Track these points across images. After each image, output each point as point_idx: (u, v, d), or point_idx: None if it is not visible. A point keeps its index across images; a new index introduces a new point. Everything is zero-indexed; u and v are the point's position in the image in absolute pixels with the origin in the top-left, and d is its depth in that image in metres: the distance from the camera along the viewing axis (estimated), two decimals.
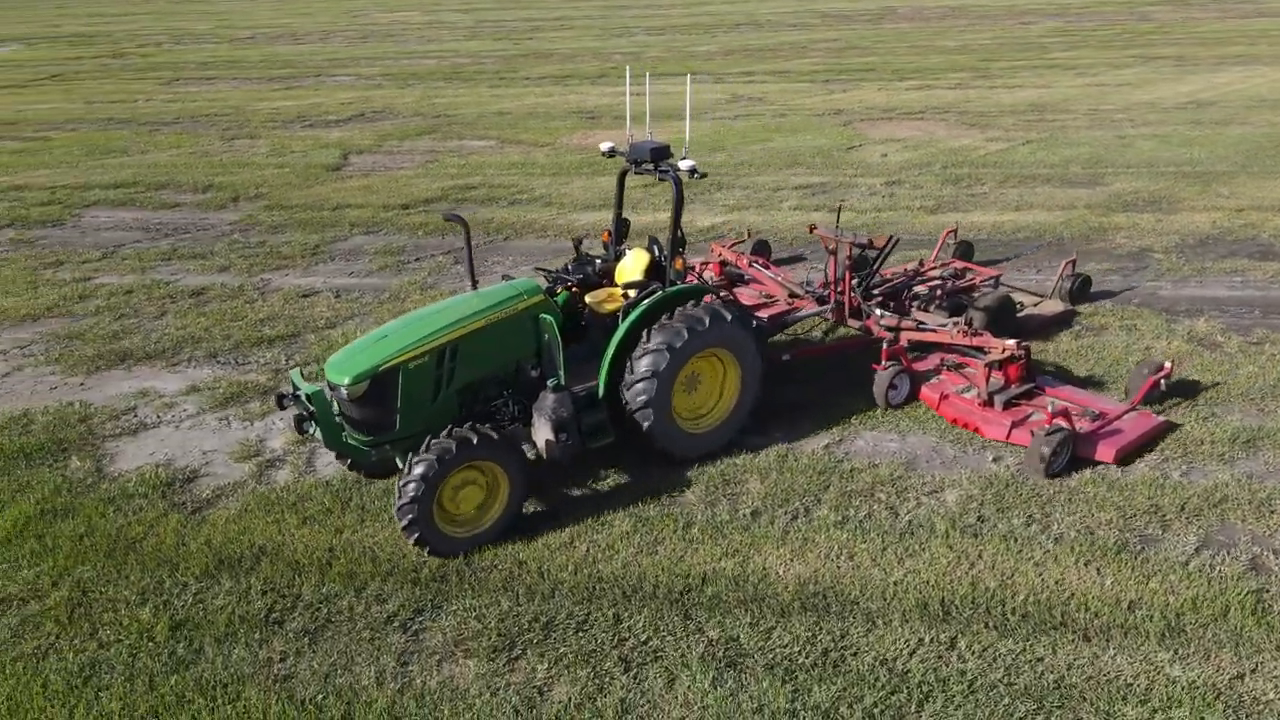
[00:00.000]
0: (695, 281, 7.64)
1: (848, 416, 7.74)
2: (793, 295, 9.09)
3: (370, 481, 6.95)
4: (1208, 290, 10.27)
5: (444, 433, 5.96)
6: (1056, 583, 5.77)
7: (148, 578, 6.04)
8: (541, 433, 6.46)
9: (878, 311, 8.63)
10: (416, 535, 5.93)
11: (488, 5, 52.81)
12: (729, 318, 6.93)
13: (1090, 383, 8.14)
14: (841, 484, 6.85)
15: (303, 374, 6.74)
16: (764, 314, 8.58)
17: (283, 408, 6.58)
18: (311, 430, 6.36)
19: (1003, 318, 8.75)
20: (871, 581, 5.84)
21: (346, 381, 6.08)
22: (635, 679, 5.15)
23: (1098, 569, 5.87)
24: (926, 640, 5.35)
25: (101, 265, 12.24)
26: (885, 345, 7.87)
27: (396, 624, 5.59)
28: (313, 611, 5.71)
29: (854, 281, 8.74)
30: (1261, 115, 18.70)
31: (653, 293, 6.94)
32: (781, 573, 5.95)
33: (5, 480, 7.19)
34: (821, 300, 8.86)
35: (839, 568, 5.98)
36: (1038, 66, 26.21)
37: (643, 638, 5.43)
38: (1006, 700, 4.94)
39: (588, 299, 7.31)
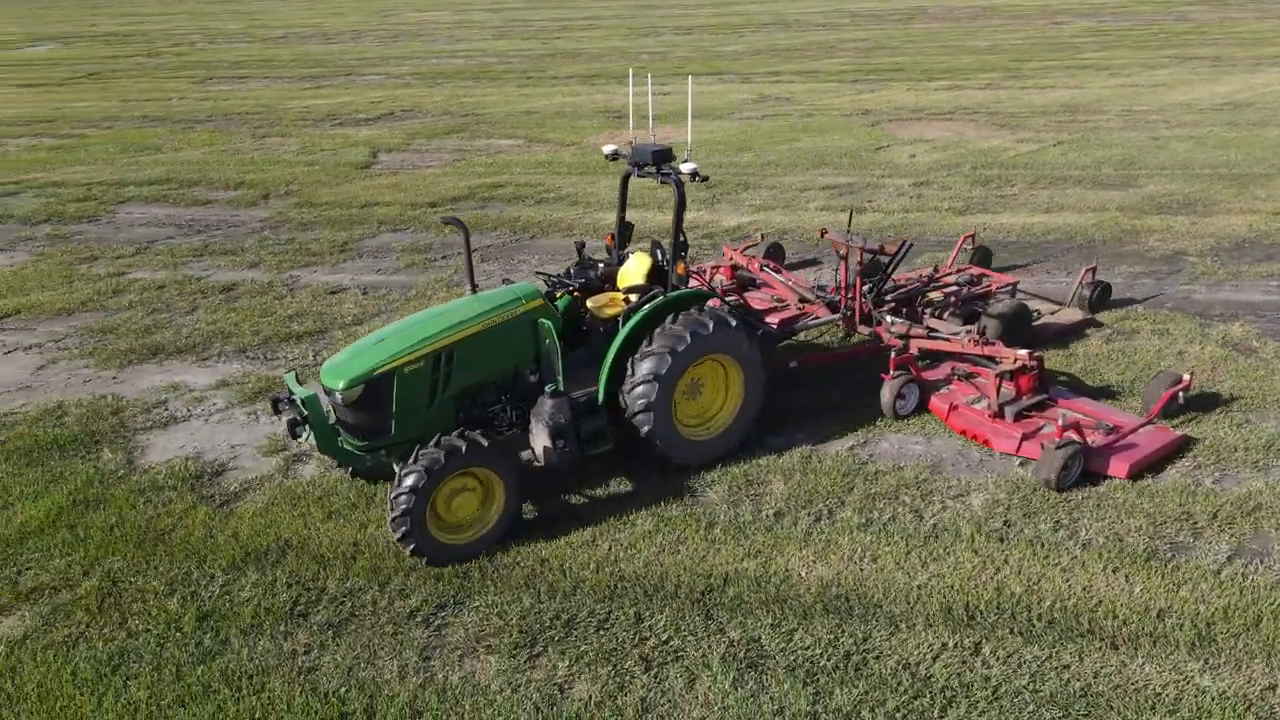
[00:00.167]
0: (698, 286, 7.55)
1: (872, 419, 7.68)
2: (804, 300, 8.97)
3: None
4: (1243, 294, 10.10)
5: (432, 442, 5.88)
6: (1084, 589, 5.69)
7: (176, 569, 6.13)
8: (539, 439, 6.36)
9: (888, 319, 8.49)
10: (413, 546, 5.88)
11: (517, 5, 53.03)
12: (733, 324, 6.83)
13: (1119, 388, 8.03)
14: (865, 486, 6.80)
15: (298, 378, 6.69)
16: (773, 319, 8.45)
17: (278, 412, 6.52)
18: (305, 435, 6.30)
19: (1018, 326, 8.54)
20: (895, 585, 5.79)
21: (341, 386, 6.03)
22: (656, 678, 5.15)
23: (1126, 576, 5.79)
24: (950, 645, 5.30)
25: (135, 261, 12.42)
26: (893, 354, 7.71)
27: (419, 619, 5.63)
28: (337, 605, 5.76)
29: (865, 288, 8.62)
30: None
31: (654, 297, 6.83)
32: (804, 574, 5.92)
33: (39, 471, 7.31)
34: (833, 306, 8.73)
35: (862, 570, 5.94)
36: (1070, 67, 25.91)
37: (664, 637, 5.43)
38: (1031, 707, 4.88)
39: (589, 303, 7.20)
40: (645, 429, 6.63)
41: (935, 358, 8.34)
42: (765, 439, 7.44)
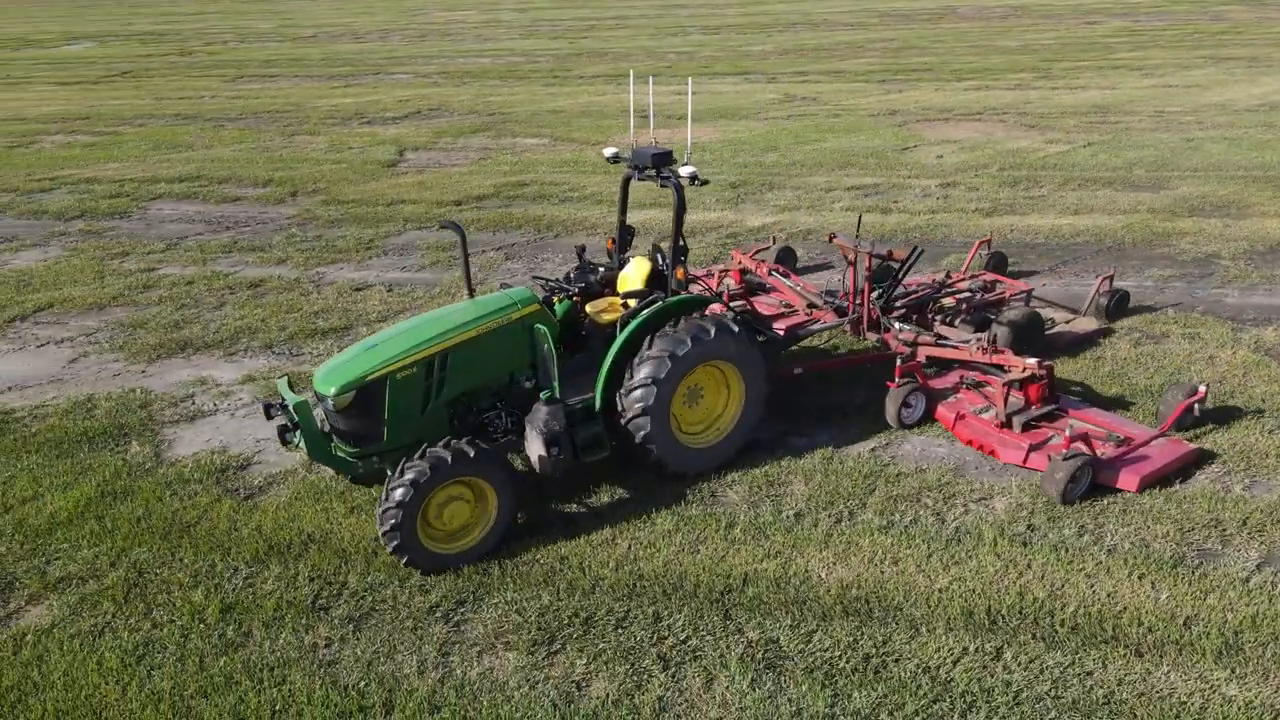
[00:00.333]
0: (700, 291, 7.46)
1: None
2: (811, 306, 8.85)
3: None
4: (1277, 299, 9.91)
5: (418, 454, 5.79)
6: (1108, 595, 5.62)
7: (200, 561, 6.20)
8: (533, 446, 6.27)
9: (896, 325, 8.37)
10: (407, 559, 5.84)
11: (544, 4, 53.20)
12: (736, 330, 6.73)
13: (1147, 393, 7.90)
14: (887, 488, 6.75)
15: (290, 384, 6.68)
16: (780, 325, 8.32)
17: (270, 418, 6.50)
18: (295, 441, 6.29)
19: (1030, 334, 8.35)
20: (916, 588, 5.75)
21: (332, 392, 6.00)
22: (673, 677, 5.14)
23: (1152, 583, 5.71)
24: (971, 649, 5.25)
25: (165, 256, 12.59)
26: (899, 361, 7.57)
27: (439, 614, 5.66)
28: (358, 599, 5.80)
29: (874, 294, 8.49)
30: None
31: (653, 302, 6.71)
32: (824, 576, 5.89)
33: (69, 463, 7.43)
34: (841, 311, 8.60)
35: (882, 573, 5.90)
36: (1102, 67, 25.58)
37: (682, 636, 5.42)
38: (1053, 714, 4.82)
39: (588, 308, 7.09)
40: (641, 434, 6.50)
41: (944, 365, 8.17)
42: (787, 439, 7.41)
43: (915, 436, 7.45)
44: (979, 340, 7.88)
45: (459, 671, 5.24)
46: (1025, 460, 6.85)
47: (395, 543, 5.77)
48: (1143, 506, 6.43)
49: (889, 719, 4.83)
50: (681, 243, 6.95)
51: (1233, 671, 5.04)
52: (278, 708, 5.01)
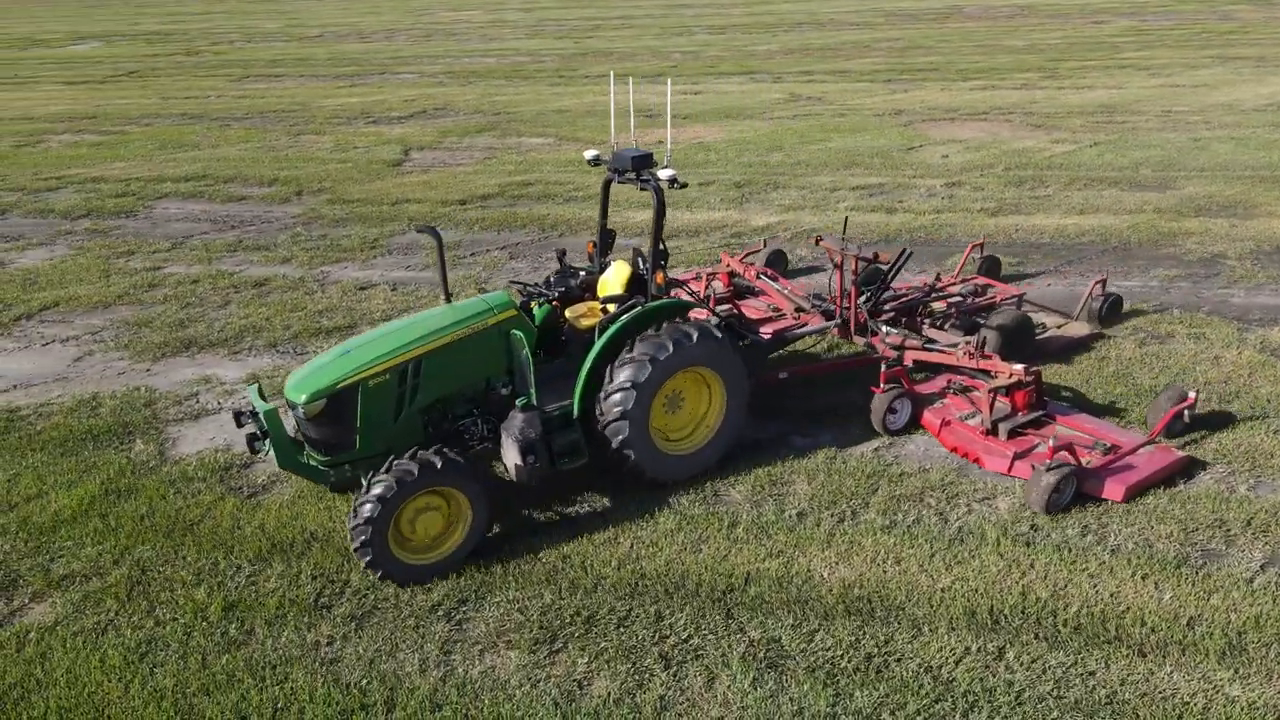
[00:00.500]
0: (681, 296, 7.37)
1: None
2: (799, 309, 8.77)
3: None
4: None
5: (384, 467, 5.70)
6: (1111, 595, 5.60)
7: (203, 559, 6.22)
8: (509, 454, 6.18)
9: (883, 329, 8.28)
10: (381, 573, 5.78)
11: (550, 4, 53.21)
12: (718, 336, 6.65)
13: (1150, 393, 7.86)
14: (890, 488, 6.74)
15: (260, 391, 6.61)
16: (767, 329, 8.24)
17: (240, 425, 6.47)
18: (264, 450, 6.24)
19: (1019, 339, 8.24)
20: (918, 587, 5.73)
21: (303, 399, 5.93)
22: (675, 676, 5.14)
23: (1155, 583, 5.69)
24: (973, 649, 5.23)
25: (170, 255, 12.63)
26: (885, 366, 7.45)
27: (440, 613, 5.66)
28: (360, 598, 5.81)
29: (861, 297, 8.41)
30: None
31: (632, 307, 6.61)
32: (826, 575, 5.88)
33: (73, 461, 7.46)
34: (829, 315, 8.49)
35: (885, 572, 5.88)
36: (1109, 67, 25.50)
37: (684, 635, 5.42)
38: (1055, 714, 4.81)
39: (567, 313, 6.99)
40: (619, 438, 6.37)
41: (932, 370, 8.08)
42: (790, 439, 7.40)
43: (918, 436, 7.43)
44: (966, 344, 7.78)
45: (460, 670, 5.25)
46: (1010, 469, 6.74)
47: (368, 558, 5.70)
48: (1146, 507, 6.41)
49: (891, 718, 4.82)
50: (661, 246, 6.83)
51: (1236, 672, 5.02)
52: (279, 706, 5.02)
